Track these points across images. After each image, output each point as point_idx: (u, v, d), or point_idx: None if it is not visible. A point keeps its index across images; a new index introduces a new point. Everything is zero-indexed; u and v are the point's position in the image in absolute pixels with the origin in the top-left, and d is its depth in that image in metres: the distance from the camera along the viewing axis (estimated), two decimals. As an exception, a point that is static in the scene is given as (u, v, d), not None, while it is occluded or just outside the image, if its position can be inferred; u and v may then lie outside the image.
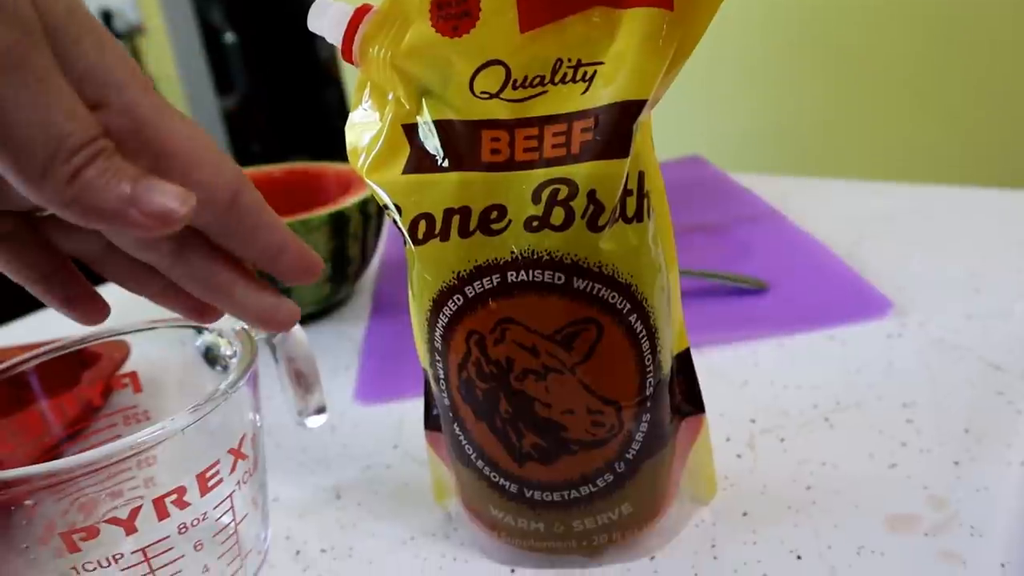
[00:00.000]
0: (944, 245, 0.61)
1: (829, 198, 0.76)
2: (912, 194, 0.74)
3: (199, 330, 0.35)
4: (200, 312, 0.31)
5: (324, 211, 0.56)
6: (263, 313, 0.29)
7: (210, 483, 0.30)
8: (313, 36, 0.34)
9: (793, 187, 0.80)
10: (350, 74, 2.26)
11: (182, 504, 0.29)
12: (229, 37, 2.69)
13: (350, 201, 0.58)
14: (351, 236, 0.59)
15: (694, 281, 0.57)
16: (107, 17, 3.51)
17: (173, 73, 3.12)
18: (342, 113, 2.61)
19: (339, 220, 0.57)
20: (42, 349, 0.34)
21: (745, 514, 0.35)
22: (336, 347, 0.58)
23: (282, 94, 2.71)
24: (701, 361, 0.48)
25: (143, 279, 0.30)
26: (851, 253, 0.62)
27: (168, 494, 0.28)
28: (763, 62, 1.28)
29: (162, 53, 3.22)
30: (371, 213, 0.61)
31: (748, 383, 0.46)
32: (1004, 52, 1.05)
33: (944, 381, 0.43)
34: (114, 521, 0.27)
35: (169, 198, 0.23)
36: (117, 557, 0.28)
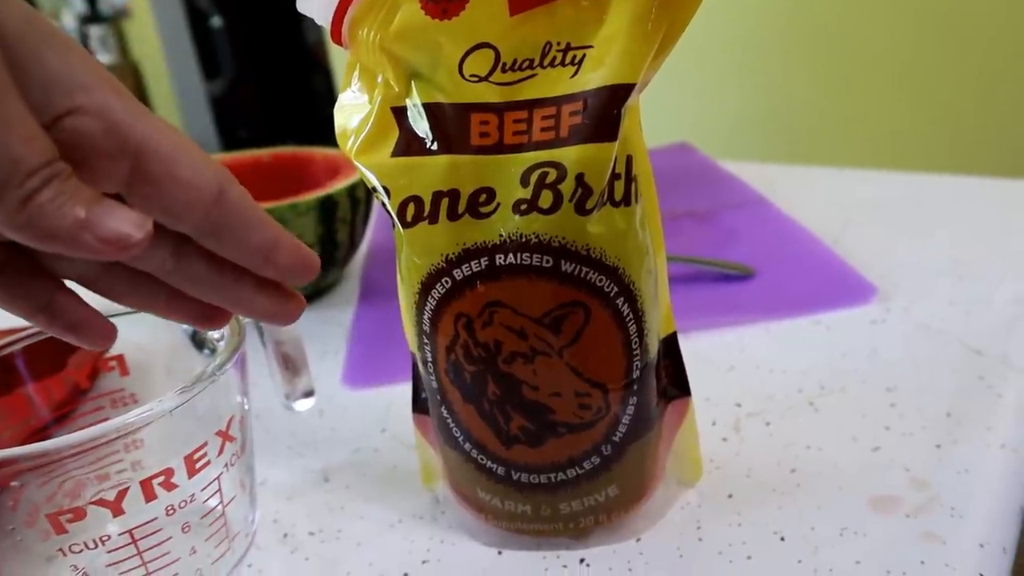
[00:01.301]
0: (929, 232, 0.61)
1: (816, 185, 0.76)
2: (898, 181, 0.74)
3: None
4: (208, 318, 0.30)
5: (312, 195, 0.56)
6: (271, 308, 0.29)
7: (198, 465, 0.30)
8: (300, 20, 0.34)
9: (780, 174, 0.81)
10: (338, 58, 2.25)
11: (170, 486, 0.29)
12: (216, 21, 2.66)
13: (339, 186, 0.58)
14: (340, 221, 0.59)
15: (681, 267, 0.57)
16: (92, 0, 3.46)
17: (159, 57, 3.09)
18: (330, 98, 2.59)
19: (328, 205, 0.57)
20: (28, 332, 0.34)
21: (730, 496, 0.35)
22: (324, 332, 0.58)
23: (270, 79, 2.69)
24: (688, 346, 0.48)
25: (146, 292, 0.29)
26: (837, 240, 0.62)
27: (155, 476, 0.28)
28: (752, 49, 1.28)
29: (148, 37, 3.19)
30: (360, 198, 0.60)
31: (734, 368, 0.46)
32: (993, 42, 1.06)
33: (927, 366, 0.43)
34: (101, 503, 0.27)
35: (124, 223, 0.22)
36: (104, 539, 0.28)
